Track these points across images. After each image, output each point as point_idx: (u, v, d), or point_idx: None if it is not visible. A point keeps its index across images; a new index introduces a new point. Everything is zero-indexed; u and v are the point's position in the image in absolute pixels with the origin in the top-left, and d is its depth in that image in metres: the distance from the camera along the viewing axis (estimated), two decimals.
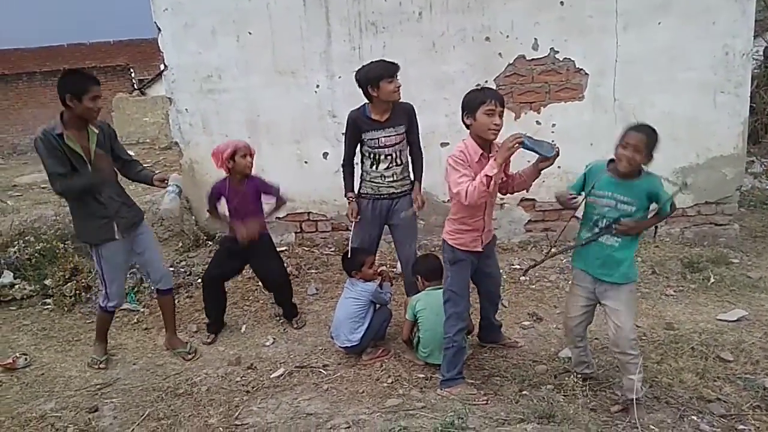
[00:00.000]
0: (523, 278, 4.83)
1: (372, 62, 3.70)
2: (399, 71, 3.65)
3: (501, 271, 4.08)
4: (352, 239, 4.00)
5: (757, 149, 8.80)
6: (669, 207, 2.85)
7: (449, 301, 3.29)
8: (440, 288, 3.55)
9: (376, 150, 3.78)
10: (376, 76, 3.59)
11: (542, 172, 3.06)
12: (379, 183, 3.86)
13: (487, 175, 2.87)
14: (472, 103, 2.98)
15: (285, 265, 4.49)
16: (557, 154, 2.91)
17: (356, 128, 3.80)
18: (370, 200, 3.91)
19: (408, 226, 3.92)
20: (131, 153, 4.12)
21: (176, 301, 4.73)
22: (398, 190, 3.87)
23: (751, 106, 5.42)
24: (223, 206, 4.06)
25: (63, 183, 3.39)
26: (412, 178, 3.94)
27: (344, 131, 3.89)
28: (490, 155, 3.02)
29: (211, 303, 4.25)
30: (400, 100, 3.75)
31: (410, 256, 3.95)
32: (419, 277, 3.78)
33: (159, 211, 3.59)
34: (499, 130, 2.97)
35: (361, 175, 3.93)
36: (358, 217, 3.92)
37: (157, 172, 3.78)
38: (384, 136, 3.75)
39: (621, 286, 2.92)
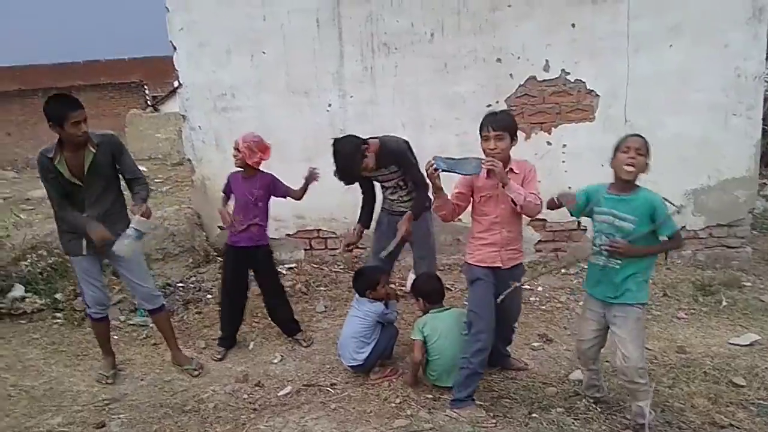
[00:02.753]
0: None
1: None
2: None
3: None
4: (373, 247, 4.13)
5: None
6: (671, 232, 2.78)
7: (468, 320, 3.27)
8: (445, 309, 3.53)
9: (378, 182, 4.03)
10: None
11: (553, 193, 3.03)
12: (391, 201, 4.04)
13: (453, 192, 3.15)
14: (480, 129, 3.10)
15: (283, 282, 4.54)
16: (491, 166, 2.88)
17: None
18: (386, 214, 4.10)
19: (423, 241, 3.95)
20: (143, 169, 4.13)
21: (185, 317, 4.77)
22: (408, 209, 3.91)
23: (763, 129, 5.40)
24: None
25: (59, 209, 3.54)
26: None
27: None
28: (507, 170, 3.06)
29: (225, 315, 4.27)
30: (387, 141, 3.78)
31: (428, 273, 3.97)
32: (420, 299, 3.73)
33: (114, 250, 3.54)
34: (495, 153, 2.99)
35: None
36: (350, 248, 4.10)
37: (144, 202, 3.62)
38: (380, 176, 3.93)
39: (628, 309, 2.86)
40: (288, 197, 4.20)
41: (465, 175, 3.01)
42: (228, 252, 4.20)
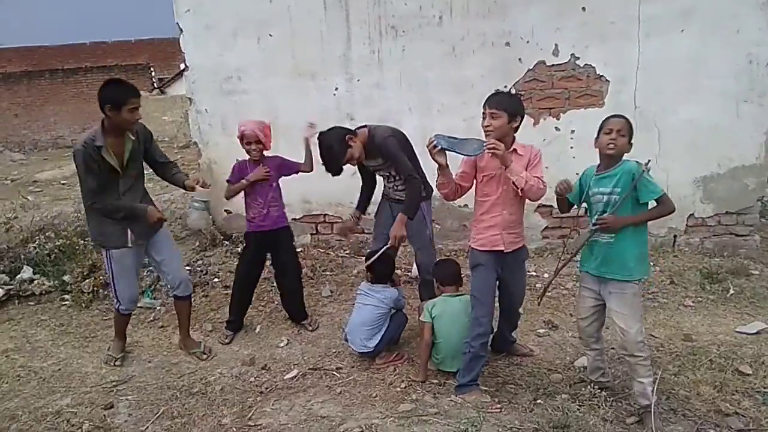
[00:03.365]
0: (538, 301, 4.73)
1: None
2: None
3: None
4: (373, 231, 4.18)
5: None
6: (651, 197, 2.81)
7: (472, 305, 3.30)
8: (457, 295, 3.54)
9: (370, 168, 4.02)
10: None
11: (561, 179, 3.02)
12: (387, 190, 4.06)
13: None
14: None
15: (300, 263, 4.52)
16: (493, 149, 2.88)
17: None
18: (386, 200, 4.09)
19: (418, 231, 3.90)
20: None
21: (192, 301, 4.79)
22: (404, 198, 3.89)
23: None
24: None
25: (99, 201, 3.46)
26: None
27: None
28: (511, 150, 3.08)
29: (236, 298, 4.29)
30: (375, 134, 3.76)
31: (426, 263, 3.98)
32: (436, 281, 3.77)
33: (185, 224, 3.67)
34: (491, 130, 3.01)
35: None
36: (345, 233, 4.19)
37: (188, 177, 3.80)
38: (371, 166, 3.96)
39: (624, 285, 2.90)
40: (300, 172, 4.20)
41: (465, 155, 3.03)
42: (250, 237, 4.20)
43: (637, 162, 2.85)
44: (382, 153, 3.77)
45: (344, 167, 3.77)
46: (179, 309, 4.05)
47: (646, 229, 3.00)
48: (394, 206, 3.96)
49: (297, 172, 4.21)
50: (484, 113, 3.05)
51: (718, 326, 4.11)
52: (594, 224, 2.92)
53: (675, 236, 5.47)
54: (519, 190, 3.02)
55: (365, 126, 3.85)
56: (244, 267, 4.25)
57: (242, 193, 4.09)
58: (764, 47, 5.00)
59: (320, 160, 3.73)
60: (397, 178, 3.89)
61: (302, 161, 4.20)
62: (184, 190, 3.88)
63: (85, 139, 3.39)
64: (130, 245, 3.61)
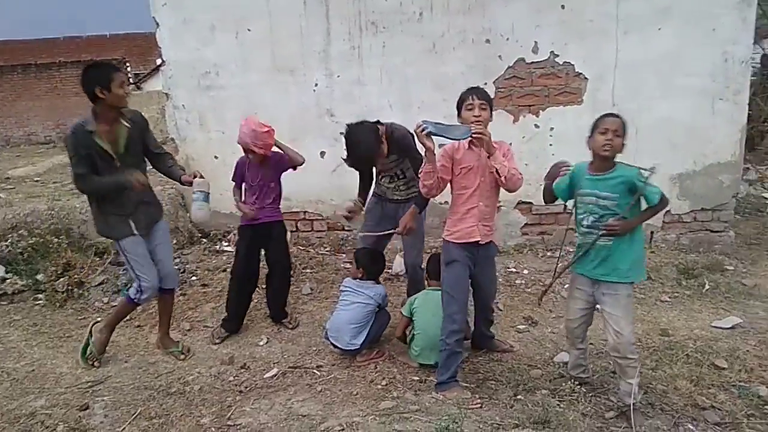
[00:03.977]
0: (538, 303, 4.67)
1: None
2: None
3: (497, 274, 4.05)
4: (362, 231, 4.13)
5: (753, 156, 8.85)
6: (657, 198, 2.80)
7: (443, 302, 3.30)
8: (440, 289, 3.55)
9: (376, 169, 3.94)
10: None
11: (541, 175, 3.06)
12: (384, 190, 4.00)
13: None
14: (458, 104, 3.17)
15: (291, 259, 4.46)
16: (479, 134, 2.92)
17: None
18: (379, 200, 4.06)
19: (417, 233, 3.88)
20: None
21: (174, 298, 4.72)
22: (404, 198, 3.92)
23: (748, 113, 5.42)
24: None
25: (83, 182, 3.40)
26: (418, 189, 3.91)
27: None
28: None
29: (235, 298, 4.19)
30: (395, 130, 3.72)
31: (415, 263, 4.00)
32: (426, 274, 3.81)
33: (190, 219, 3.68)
34: (480, 121, 3.04)
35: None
36: (348, 213, 4.00)
37: (184, 172, 3.75)
38: (383, 162, 3.84)
39: (618, 287, 2.90)
40: (295, 167, 4.12)
41: (453, 139, 3.04)
42: (243, 231, 4.15)
43: (637, 168, 2.81)
44: (401, 149, 3.72)
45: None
46: (162, 302, 3.97)
47: (642, 231, 3.00)
48: (388, 206, 3.96)
49: (294, 168, 4.11)
50: (471, 104, 3.07)
51: (694, 321, 4.17)
52: (597, 227, 2.88)
53: (652, 232, 5.54)
54: (502, 178, 3.04)
55: (378, 122, 3.78)
56: (239, 263, 4.16)
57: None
58: (739, 46, 5.08)
59: (349, 154, 3.62)
60: (401, 177, 3.87)
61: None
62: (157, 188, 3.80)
63: (76, 124, 3.35)
64: (136, 233, 3.57)
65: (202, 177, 3.61)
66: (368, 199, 4.13)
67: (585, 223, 2.94)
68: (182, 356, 3.91)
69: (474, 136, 2.93)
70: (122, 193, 3.47)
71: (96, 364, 3.83)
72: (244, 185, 4.14)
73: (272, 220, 4.14)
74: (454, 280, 3.27)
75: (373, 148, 3.57)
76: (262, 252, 4.25)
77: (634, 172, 2.81)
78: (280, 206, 4.24)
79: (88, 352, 3.83)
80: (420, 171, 3.15)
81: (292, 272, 4.45)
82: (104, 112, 3.36)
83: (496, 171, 3.03)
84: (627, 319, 2.90)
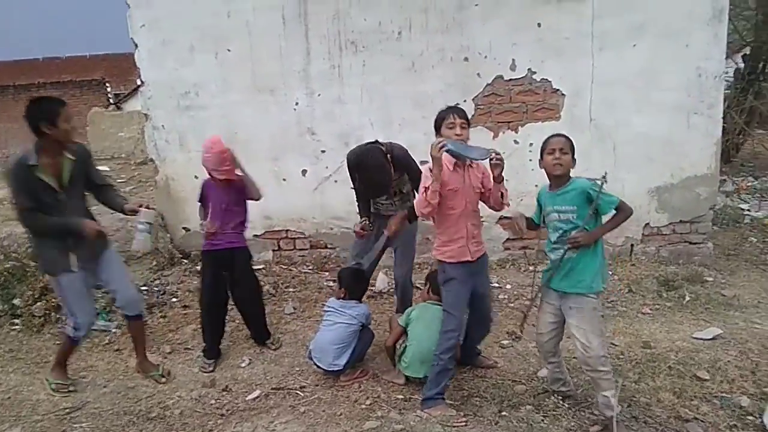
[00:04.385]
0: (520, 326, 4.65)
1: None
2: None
3: None
4: (351, 250, 4.12)
5: (729, 168, 9.01)
6: (611, 207, 2.86)
7: (443, 319, 3.30)
8: (438, 304, 3.55)
9: None
10: None
11: (521, 191, 3.10)
12: (379, 206, 4.01)
13: (424, 186, 3.07)
14: (437, 122, 3.22)
15: (260, 284, 4.40)
16: (498, 160, 3.00)
17: (352, 172, 3.86)
18: (374, 218, 4.05)
19: (405, 247, 3.90)
20: (105, 168, 4.04)
21: (149, 321, 4.66)
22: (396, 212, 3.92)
23: (722, 127, 5.53)
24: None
25: (32, 219, 3.34)
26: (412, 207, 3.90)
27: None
28: (467, 164, 3.21)
29: (210, 327, 4.09)
30: (394, 148, 3.76)
31: (404, 278, 4.01)
32: (428, 288, 3.79)
33: (130, 249, 3.61)
34: (462, 139, 3.12)
35: None
36: (363, 232, 3.97)
37: (127, 201, 3.69)
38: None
39: (583, 299, 2.92)
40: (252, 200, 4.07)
41: (472, 159, 3.13)
42: (206, 257, 4.06)
43: (589, 179, 2.90)
44: (403, 165, 3.75)
45: None
46: (131, 330, 3.91)
47: (603, 242, 3.04)
48: (383, 221, 3.95)
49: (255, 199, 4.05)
50: (453, 122, 3.12)
51: (675, 333, 4.20)
52: (559, 240, 2.93)
53: (632, 245, 5.59)
54: (503, 200, 3.22)
55: (377, 142, 3.82)
56: (206, 291, 4.07)
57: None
58: (712, 61, 5.18)
59: (367, 183, 3.65)
60: (397, 194, 3.89)
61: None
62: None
63: (18, 159, 3.29)
64: (74, 270, 3.46)
65: (148, 207, 3.54)
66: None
67: (552, 239, 3.00)
68: (163, 379, 3.84)
69: (494, 161, 3.01)
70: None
71: (71, 388, 3.75)
72: (207, 208, 4.02)
73: (234, 246, 4.02)
74: (453, 298, 3.29)
75: (389, 172, 3.60)
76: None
77: (587, 182, 2.89)
78: (245, 232, 4.14)
79: (53, 387, 3.77)
80: (421, 190, 3.14)
81: (275, 291, 4.41)
82: (48, 147, 3.30)
83: (501, 195, 3.20)
84: (594, 331, 2.91)
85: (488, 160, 3.02)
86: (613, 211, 2.92)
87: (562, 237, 2.93)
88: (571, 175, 2.97)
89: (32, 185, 3.25)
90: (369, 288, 4.95)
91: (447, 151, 2.98)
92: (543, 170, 3.00)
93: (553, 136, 3.00)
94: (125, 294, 3.74)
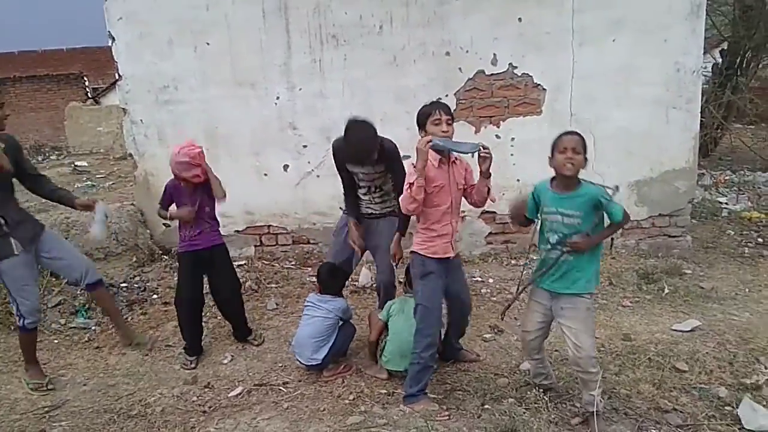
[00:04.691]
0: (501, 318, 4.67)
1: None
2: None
3: None
4: (330, 251, 4.05)
5: (707, 162, 9.14)
6: (621, 215, 2.84)
7: (418, 315, 3.27)
8: None
9: (356, 179, 3.84)
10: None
11: (502, 186, 3.10)
12: (360, 204, 3.91)
13: (409, 183, 3.04)
14: (421, 118, 3.17)
15: (240, 280, 4.37)
16: (486, 154, 2.99)
17: (339, 159, 3.81)
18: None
19: (386, 249, 3.81)
20: (84, 164, 4.04)
21: (129, 318, 4.62)
22: (377, 212, 3.87)
23: (701, 121, 5.59)
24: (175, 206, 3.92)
25: None
26: (393, 205, 3.83)
27: None
28: (451, 161, 3.19)
29: (189, 326, 4.03)
30: (384, 140, 3.66)
31: (388, 281, 3.90)
32: (406, 279, 3.77)
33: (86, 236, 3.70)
34: (447, 136, 3.09)
35: None
36: (358, 240, 3.90)
37: (77, 197, 3.75)
38: (362, 172, 3.76)
39: (577, 300, 2.91)
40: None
41: (461, 153, 3.11)
42: (183, 258, 3.97)
43: (602, 186, 2.85)
44: (390, 159, 3.69)
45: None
46: (98, 299, 3.93)
47: (602, 247, 3.04)
48: (363, 221, 3.90)
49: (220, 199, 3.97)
50: (439, 119, 3.08)
51: (655, 325, 4.25)
52: (559, 243, 2.90)
53: (612, 239, 5.64)
54: (489, 195, 3.23)
55: None
56: (184, 292, 3.98)
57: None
58: (690, 56, 5.23)
59: (352, 147, 3.55)
60: (376, 190, 3.81)
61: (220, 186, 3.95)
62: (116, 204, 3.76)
63: None
64: (17, 253, 3.48)
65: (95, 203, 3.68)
66: (340, 217, 4.09)
67: (551, 240, 2.94)
68: (148, 346, 3.97)
69: (483, 155, 2.99)
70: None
71: (49, 386, 3.71)
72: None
73: (212, 244, 3.97)
74: (430, 292, 3.25)
75: (374, 143, 3.53)
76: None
77: (599, 190, 2.83)
78: (219, 228, 4.08)
79: (32, 387, 3.73)
80: (405, 186, 3.08)
81: (257, 287, 4.37)
82: None
83: (488, 191, 3.20)
84: (587, 332, 2.90)
85: (476, 154, 3.00)
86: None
87: (561, 239, 2.89)
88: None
89: None
90: (352, 283, 4.96)
91: (434, 146, 2.97)
92: (552, 168, 2.90)
93: (566, 133, 2.89)
94: (78, 263, 3.77)
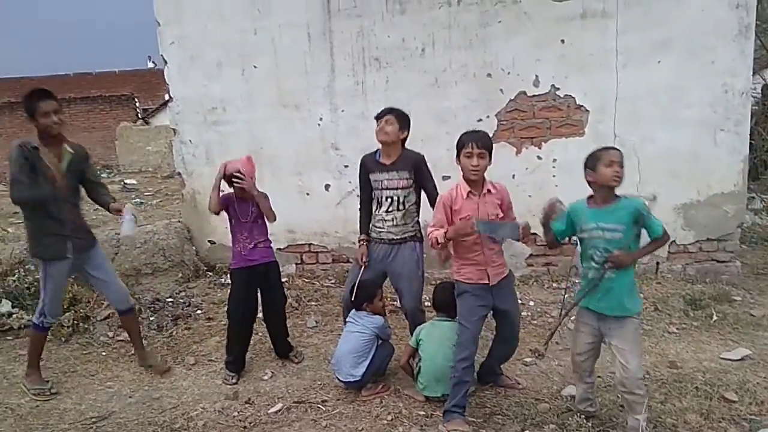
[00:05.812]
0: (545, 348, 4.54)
1: None
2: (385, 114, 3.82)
3: None
4: (348, 280, 4.03)
5: (757, 185, 8.84)
6: (661, 230, 2.82)
7: (458, 330, 3.31)
8: (447, 320, 3.54)
9: (379, 192, 3.83)
10: None
11: (542, 207, 3.11)
12: (380, 228, 3.86)
13: (436, 238, 3.14)
14: (457, 148, 3.23)
15: (287, 297, 4.43)
16: (526, 232, 3.09)
17: (365, 169, 3.90)
18: (372, 243, 3.94)
19: (410, 276, 3.80)
20: (134, 182, 4.25)
21: (174, 333, 4.73)
22: (397, 237, 3.81)
23: (750, 143, 5.45)
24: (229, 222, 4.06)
25: (20, 190, 3.52)
26: (414, 229, 3.85)
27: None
28: (483, 192, 3.23)
29: (239, 340, 4.09)
30: (409, 149, 3.83)
31: (414, 308, 3.86)
32: (433, 304, 3.79)
33: (119, 236, 3.95)
34: (478, 171, 3.15)
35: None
36: (367, 261, 3.90)
37: (115, 201, 3.97)
38: (387, 179, 3.79)
39: (624, 320, 2.89)
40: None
41: (505, 238, 3.20)
42: (239, 273, 4.03)
43: (640, 198, 2.86)
44: (414, 164, 3.77)
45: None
46: (124, 324, 4.16)
47: (634, 265, 3.01)
48: (380, 248, 3.86)
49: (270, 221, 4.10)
50: (470, 152, 3.12)
51: (702, 353, 4.12)
52: (600, 260, 2.88)
53: (657, 263, 5.52)
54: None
55: None
56: (238, 307, 4.03)
57: (229, 226, 4.06)
58: (739, 77, 5.13)
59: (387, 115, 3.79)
60: (400, 208, 3.77)
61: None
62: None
63: (21, 140, 3.58)
64: (69, 256, 3.69)
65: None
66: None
67: (594, 257, 2.91)
68: (165, 367, 4.15)
69: (523, 238, 3.11)
70: (60, 213, 3.64)
71: (52, 391, 3.90)
72: (232, 222, 4.04)
73: (268, 260, 4.07)
74: (467, 310, 3.29)
75: (404, 116, 3.77)
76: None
77: (639, 201, 2.84)
78: (272, 246, 4.18)
79: (34, 393, 3.89)
80: (430, 228, 3.24)
81: (297, 305, 4.42)
82: (42, 136, 3.57)
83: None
84: (634, 352, 2.87)
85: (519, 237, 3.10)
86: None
87: (604, 255, 2.86)
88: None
89: (34, 164, 3.51)
90: (392, 303, 4.97)
91: (477, 231, 3.02)
92: (589, 184, 2.93)
93: (608, 148, 2.92)
94: (116, 289, 4.00)
